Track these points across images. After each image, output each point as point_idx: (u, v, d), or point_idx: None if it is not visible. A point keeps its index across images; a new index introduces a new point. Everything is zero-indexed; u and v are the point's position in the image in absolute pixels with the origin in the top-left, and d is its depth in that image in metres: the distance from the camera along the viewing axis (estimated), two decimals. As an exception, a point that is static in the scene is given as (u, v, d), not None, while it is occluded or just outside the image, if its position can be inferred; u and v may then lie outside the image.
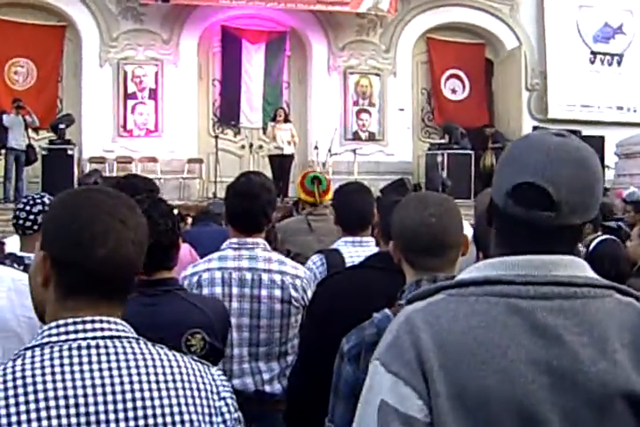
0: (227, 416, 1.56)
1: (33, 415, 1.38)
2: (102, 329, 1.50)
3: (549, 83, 18.24)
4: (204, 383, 1.55)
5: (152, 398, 1.46)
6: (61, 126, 14.74)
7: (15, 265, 3.42)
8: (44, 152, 14.54)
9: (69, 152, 14.60)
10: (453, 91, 18.31)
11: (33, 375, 1.41)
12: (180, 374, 1.52)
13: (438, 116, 18.07)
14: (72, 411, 1.40)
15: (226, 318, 2.95)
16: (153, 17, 16.31)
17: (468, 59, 18.15)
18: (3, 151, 14.12)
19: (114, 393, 1.44)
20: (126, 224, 1.52)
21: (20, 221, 3.55)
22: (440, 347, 1.40)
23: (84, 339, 1.48)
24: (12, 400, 1.39)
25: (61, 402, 1.40)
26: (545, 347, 1.40)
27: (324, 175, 5.46)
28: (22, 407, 1.38)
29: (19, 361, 1.45)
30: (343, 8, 16.66)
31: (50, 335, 1.48)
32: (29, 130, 14.38)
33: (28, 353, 1.46)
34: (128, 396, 1.44)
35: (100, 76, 16.19)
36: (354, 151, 15.75)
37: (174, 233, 2.84)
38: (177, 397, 1.49)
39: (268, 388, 3.43)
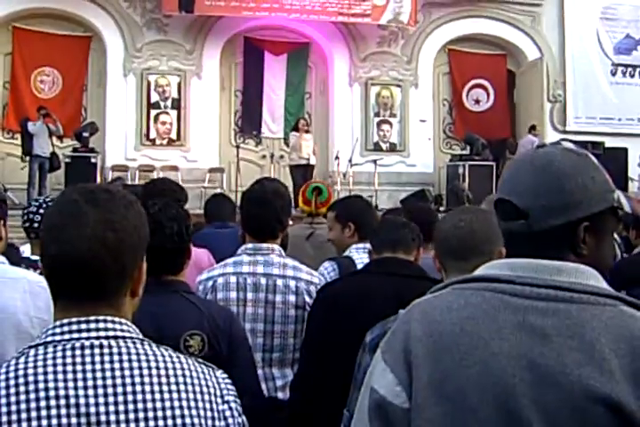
0: (230, 420, 1.53)
1: (33, 414, 1.37)
2: (107, 329, 1.48)
3: (570, 94, 18.17)
4: (207, 386, 1.52)
5: (154, 400, 1.44)
6: (85, 135, 14.85)
7: (31, 269, 3.48)
8: (67, 160, 14.62)
9: (92, 160, 14.71)
10: (477, 101, 18.27)
11: (35, 374, 1.41)
12: (184, 376, 1.50)
13: (459, 128, 18.02)
14: (72, 411, 1.39)
15: (231, 324, 2.88)
16: (176, 28, 16.43)
17: (489, 70, 18.13)
18: (27, 158, 14.28)
19: (115, 394, 1.42)
20: (84, 221, 1.48)
21: (35, 224, 3.61)
22: (429, 335, 1.45)
23: (88, 338, 1.46)
24: (12, 398, 1.39)
25: (62, 402, 1.39)
26: (530, 344, 1.41)
27: (327, 186, 5.44)
28: (23, 406, 1.38)
29: (22, 359, 1.45)
30: (364, 20, 16.72)
31: (54, 334, 1.48)
32: (54, 138, 14.54)
33: (32, 351, 1.46)
34: (130, 397, 1.43)
35: (124, 86, 16.32)
36: (374, 162, 15.74)
37: (181, 238, 2.83)
38: (179, 399, 1.47)
39: (280, 395, 3.41)
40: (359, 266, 3.92)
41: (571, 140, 1.71)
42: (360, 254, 4.08)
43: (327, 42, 17.34)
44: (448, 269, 2.41)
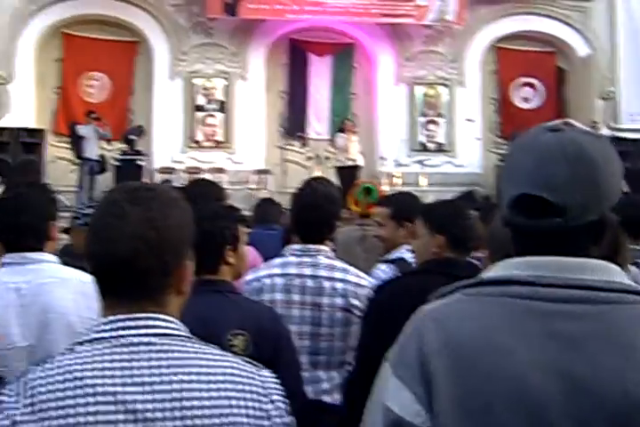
0: (276, 420, 1.51)
1: (80, 409, 1.38)
2: (153, 326, 1.48)
3: (622, 91, 17.86)
4: (254, 385, 1.51)
5: (200, 399, 1.44)
6: (133, 138, 15.04)
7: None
8: (115, 162, 14.84)
9: (140, 163, 14.91)
10: (525, 99, 18.07)
11: (82, 370, 1.41)
12: (231, 375, 1.49)
13: (507, 127, 17.79)
14: (119, 407, 1.39)
15: (276, 325, 2.88)
16: (222, 31, 16.52)
17: (538, 67, 17.92)
18: (77, 161, 14.44)
19: (162, 392, 1.42)
20: (125, 220, 1.49)
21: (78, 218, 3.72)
22: (447, 347, 1.34)
23: (135, 335, 1.47)
24: (60, 393, 1.39)
25: (109, 398, 1.40)
26: (560, 352, 1.30)
27: (377, 187, 5.38)
28: (70, 401, 1.39)
29: (69, 355, 1.46)
30: (408, 20, 16.63)
31: (100, 331, 1.48)
32: (102, 141, 14.70)
33: (79, 348, 1.47)
34: (176, 395, 1.43)
35: (171, 89, 16.46)
36: (421, 163, 15.64)
37: (222, 237, 2.83)
38: (226, 398, 1.46)
39: (327, 398, 3.36)
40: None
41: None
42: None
43: (372, 42, 17.29)
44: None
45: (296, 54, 17.20)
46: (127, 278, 1.49)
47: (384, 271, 4.04)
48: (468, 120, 17.30)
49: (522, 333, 1.32)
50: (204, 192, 4.06)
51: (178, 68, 16.47)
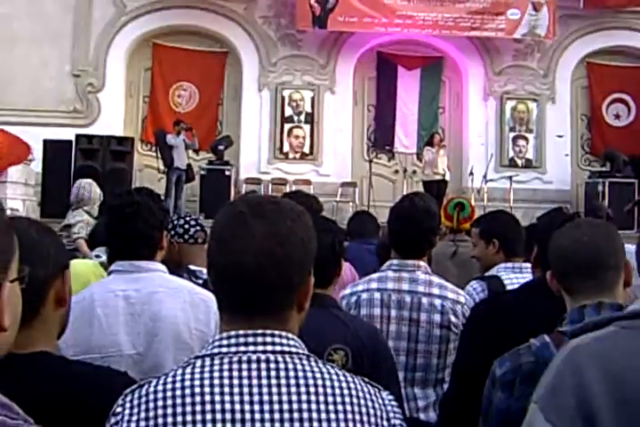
0: None
1: (199, 426, 1.36)
2: (273, 344, 1.46)
3: None
4: (373, 408, 1.47)
5: (320, 421, 1.40)
6: (220, 148, 15.15)
7: (193, 279, 3.55)
8: (202, 172, 14.97)
9: (227, 173, 14.97)
10: (617, 116, 17.71)
11: (201, 386, 1.40)
12: (350, 396, 1.45)
13: (598, 143, 17.47)
14: (238, 426, 1.37)
15: (376, 340, 2.86)
16: (310, 43, 16.59)
17: (631, 83, 17.51)
18: (163, 169, 14.62)
19: (281, 411, 1.39)
20: (250, 234, 1.46)
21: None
22: (612, 389, 1.21)
23: (254, 352, 1.44)
24: (178, 409, 1.38)
25: (227, 416, 1.38)
26: None
27: (469, 202, 5.34)
28: (188, 417, 1.37)
29: (188, 369, 1.44)
30: (498, 34, 16.48)
31: (220, 346, 1.46)
32: (189, 150, 14.88)
33: (198, 362, 1.45)
34: (296, 415, 1.40)
35: (259, 100, 16.58)
36: (510, 178, 15.44)
37: (333, 251, 2.81)
38: (345, 420, 1.42)
39: (422, 416, 3.32)
40: (508, 287, 3.76)
41: None
42: (509, 275, 3.92)
43: (461, 56, 17.17)
44: (572, 290, 2.21)
45: (384, 67, 17.16)
46: (251, 293, 1.47)
47: (474, 288, 4.01)
48: (559, 136, 17.03)
49: None
50: (302, 204, 4.05)
51: (266, 80, 16.59)
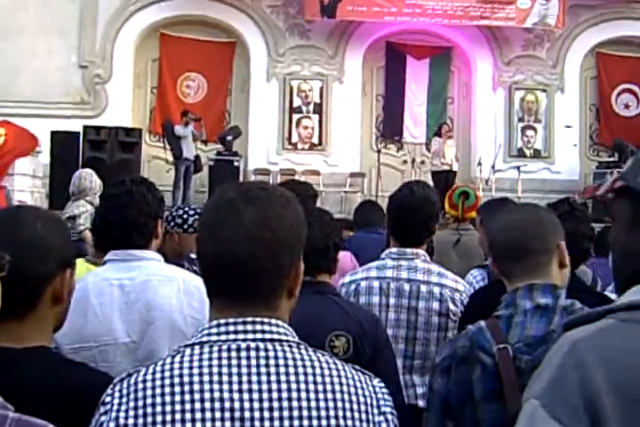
0: None
1: (187, 416, 1.36)
2: (263, 331, 1.45)
3: None
4: (364, 396, 1.46)
5: (309, 409, 1.39)
6: (229, 138, 15.11)
7: (194, 267, 3.58)
8: (211, 163, 14.93)
9: (235, 164, 14.94)
10: (626, 106, 17.64)
11: (190, 375, 1.39)
12: (340, 384, 1.44)
13: (606, 134, 17.42)
14: (227, 415, 1.36)
15: (376, 327, 2.89)
16: (319, 33, 16.56)
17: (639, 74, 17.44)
18: (173, 161, 14.61)
19: (271, 400, 1.38)
20: (240, 220, 1.45)
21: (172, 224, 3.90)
22: (618, 387, 1.18)
23: (244, 340, 1.44)
24: (167, 398, 1.37)
25: (217, 404, 1.37)
26: None
27: (474, 191, 5.34)
28: (178, 406, 1.37)
29: (177, 358, 1.43)
30: (508, 23, 16.42)
31: (210, 334, 1.45)
32: (198, 141, 14.87)
33: (187, 351, 1.44)
34: (285, 404, 1.39)
35: (267, 91, 16.58)
36: (518, 168, 15.40)
37: (329, 238, 2.85)
38: (335, 409, 1.41)
39: (421, 402, 3.29)
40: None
41: None
42: None
43: (470, 45, 17.12)
44: (506, 273, 2.27)
45: (393, 57, 17.13)
46: (240, 279, 1.46)
47: (474, 276, 4.04)
48: (567, 127, 16.97)
49: None
50: (296, 191, 4.07)
51: (274, 70, 16.58)
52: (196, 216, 4.02)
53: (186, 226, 4.05)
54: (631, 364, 1.20)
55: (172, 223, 4.04)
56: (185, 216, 4.07)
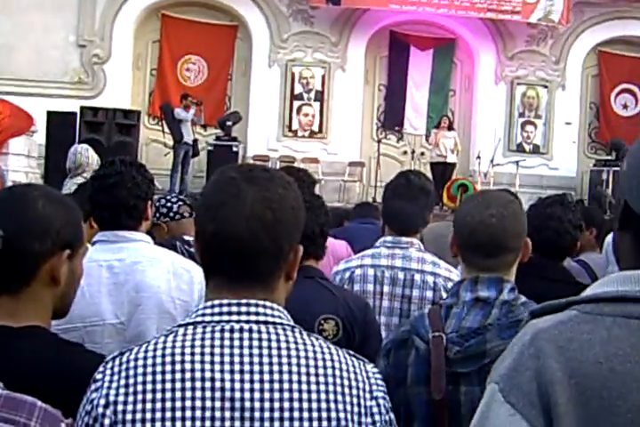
0: (377, 418, 1.46)
1: (177, 394, 1.36)
2: (257, 313, 1.44)
3: None
4: (356, 380, 1.46)
5: (300, 391, 1.40)
6: (228, 123, 15.01)
7: (186, 247, 3.58)
8: (210, 148, 14.81)
9: (235, 149, 14.80)
10: (625, 106, 17.66)
11: (182, 354, 1.40)
12: (333, 368, 1.45)
13: (605, 132, 17.48)
14: (217, 394, 1.37)
15: (366, 312, 2.90)
16: (323, 20, 16.51)
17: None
18: (172, 144, 14.53)
19: (262, 381, 1.38)
20: (242, 199, 1.44)
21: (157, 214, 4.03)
22: (571, 378, 1.19)
23: (238, 322, 1.43)
24: (158, 376, 1.38)
25: (207, 384, 1.37)
26: None
27: (473, 185, 5.35)
28: (168, 385, 1.37)
29: (170, 337, 1.43)
30: (513, 17, 16.39)
31: (204, 315, 1.45)
32: (197, 126, 14.80)
33: (181, 330, 1.44)
34: (276, 386, 1.39)
35: (269, 77, 16.52)
36: (517, 163, 15.43)
37: (318, 222, 2.85)
38: (326, 392, 1.41)
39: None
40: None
41: None
42: None
43: (474, 38, 17.10)
44: (472, 264, 2.27)
45: (396, 47, 17.10)
46: (241, 259, 1.45)
47: None
48: (567, 123, 17.01)
49: None
50: (294, 176, 4.08)
51: (276, 56, 16.53)
52: (180, 202, 4.11)
53: (172, 213, 4.08)
54: (586, 355, 1.21)
55: (158, 214, 4.05)
56: (169, 204, 4.11)
